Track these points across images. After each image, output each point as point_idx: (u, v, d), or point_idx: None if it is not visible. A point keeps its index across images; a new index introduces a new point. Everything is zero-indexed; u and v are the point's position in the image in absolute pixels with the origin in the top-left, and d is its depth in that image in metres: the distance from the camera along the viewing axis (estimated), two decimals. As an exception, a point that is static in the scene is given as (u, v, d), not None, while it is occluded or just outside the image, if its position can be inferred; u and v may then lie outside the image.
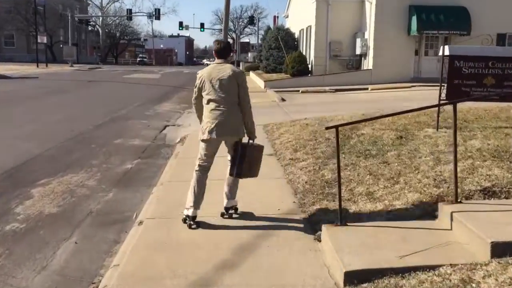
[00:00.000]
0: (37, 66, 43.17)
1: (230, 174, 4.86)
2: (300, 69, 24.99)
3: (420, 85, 21.57)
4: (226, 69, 4.66)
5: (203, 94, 4.75)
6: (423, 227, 4.27)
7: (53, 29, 63.20)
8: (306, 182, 5.96)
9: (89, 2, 73.85)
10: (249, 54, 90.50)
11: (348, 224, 4.40)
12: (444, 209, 4.36)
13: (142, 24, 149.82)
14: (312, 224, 4.72)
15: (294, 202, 5.47)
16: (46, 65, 45.52)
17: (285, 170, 6.77)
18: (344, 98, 17.49)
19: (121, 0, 71.67)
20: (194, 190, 4.75)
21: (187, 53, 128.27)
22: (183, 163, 7.40)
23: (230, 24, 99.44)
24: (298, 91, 21.01)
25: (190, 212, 4.71)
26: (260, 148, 4.99)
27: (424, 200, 4.89)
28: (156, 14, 51.40)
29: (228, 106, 4.64)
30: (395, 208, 4.83)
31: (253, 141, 4.87)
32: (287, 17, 37.36)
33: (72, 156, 8.43)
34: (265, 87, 22.59)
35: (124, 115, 13.67)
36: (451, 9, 21.92)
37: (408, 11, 22.53)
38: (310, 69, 25.42)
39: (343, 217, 4.42)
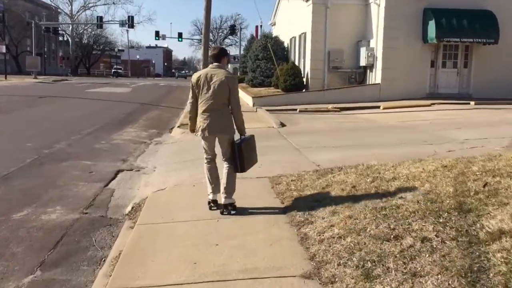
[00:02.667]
0: (-6, 78, 38.50)
1: (235, 171, 5.19)
2: (294, 83, 21.19)
3: (440, 103, 18.03)
4: (219, 73, 5.01)
5: (198, 95, 5.09)
6: None
7: (18, 38, 58.45)
8: None
9: (59, 10, 69.25)
10: (229, 66, 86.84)
11: None
12: None
13: (117, 34, 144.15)
14: None
15: None
16: (5, 77, 40.90)
17: None
18: (358, 121, 13.68)
19: (93, 8, 66.66)
20: (209, 178, 5.39)
21: (165, 64, 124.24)
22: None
23: (210, 34, 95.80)
24: (295, 110, 17.20)
25: (210, 197, 5.31)
26: (251, 138, 5.41)
27: None
28: (129, 22, 47.20)
29: (218, 107, 5.04)
30: None
31: (244, 136, 5.23)
32: (274, 25, 33.67)
33: None
34: (254, 105, 18.70)
35: (61, 152, 9.54)
36: (475, 13, 18.46)
37: (422, 15, 19.00)
38: (305, 83, 21.65)
39: None
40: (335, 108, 17.45)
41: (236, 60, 77.74)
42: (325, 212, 4.58)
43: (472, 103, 17.67)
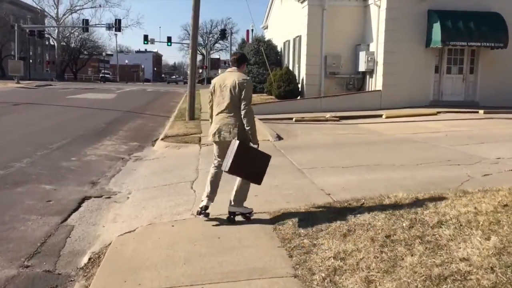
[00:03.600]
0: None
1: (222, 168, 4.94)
2: (289, 89, 19.87)
3: (446, 111, 16.78)
4: (233, 76, 4.91)
5: (214, 99, 5.03)
6: None
7: (2, 41, 56.54)
8: None
9: (45, 13, 67.33)
10: (219, 71, 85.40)
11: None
12: None
13: (104, 38, 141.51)
14: None
15: None
16: (-15, 82, 39.15)
17: None
18: (361, 133, 12.36)
19: (79, 11, 64.80)
20: (210, 184, 5.12)
21: (155, 69, 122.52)
22: None
23: (200, 39, 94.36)
24: (291, 119, 15.83)
25: (204, 203, 5.02)
26: (261, 153, 4.93)
27: None
28: (116, 26, 45.59)
29: (229, 111, 4.86)
30: None
31: (256, 145, 4.89)
32: (266, 28, 32.36)
33: None
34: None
35: (18, 173, 8.06)
36: (482, 16, 17.27)
37: (427, 18, 17.77)
38: (300, 89, 20.32)
39: None
40: (333, 117, 16.12)
41: (227, 65, 76.48)
42: (356, 282, 3.18)
43: (481, 112, 16.44)
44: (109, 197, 6.77)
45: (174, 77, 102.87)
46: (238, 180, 4.97)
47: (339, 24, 19.56)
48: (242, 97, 4.79)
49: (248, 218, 4.97)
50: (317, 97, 18.55)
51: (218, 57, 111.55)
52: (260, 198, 5.85)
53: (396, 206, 4.72)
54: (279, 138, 11.33)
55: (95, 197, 6.77)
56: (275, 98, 20.49)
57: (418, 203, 4.74)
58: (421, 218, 4.17)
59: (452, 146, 9.14)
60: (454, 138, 10.41)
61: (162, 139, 11.69)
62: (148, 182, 7.57)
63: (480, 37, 16.98)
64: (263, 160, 4.91)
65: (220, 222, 5.00)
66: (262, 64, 24.95)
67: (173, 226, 4.89)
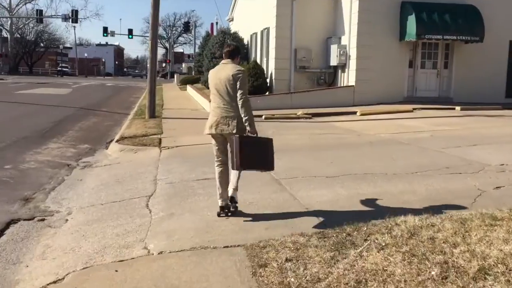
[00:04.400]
0: None
1: (231, 168, 4.83)
2: (257, 84, 18.66)
3: (422, 107, 16.05)
4: (227, 69, 4.81)
5: (211, 92, 4.93)
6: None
7: None
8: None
9: (-2, 3, 63.54)
10: (183, 65, 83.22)
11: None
12: None
13: (62, 30, 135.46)
14: None
15: None
16: None
17: None
18: (338, 132, 11.35)
19: (34, 2, 61.40)
20: (219, 184, 4.97)
21: (117, 63, 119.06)
22: None
23: (163, 32, 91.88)
24: (260, 116, 14.66)
25: (221, 203, 4.91)
26: (263, 139, 4.94)
27: None
28: (73, 17, 43.18)
29: (227, 103, 4.77)
30: None
31: (253, 133, 4.83)
32: (232, 20, 31.06)
33: None
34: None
35: None
36: (457, 8, 16.60)
37: (400, 9, 16.96)
38: (268, 84, 19.19)
39: None
40: (305, 114, 15.08)
41: (191, 58, 74.53)
42: None
43: (458, 108, 15.76)
44: (43, 220, 5.43)
45: (137, 71, 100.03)
46: (234, 172, 4.86)
47: (309, 15, 18.53)
48: (238, 87, 4.70)
49: (236, 209, 4.93)
50: (287, 93, 17.47)
51: (182, 51, 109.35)
52: (233, 222, 4.68)
53: (411, 237, 3.64)
54: (250, 139, 10.15)
55: (25, 219, 5.42)
56: (242, 93, 19.30)
57: (438, 233, 3.67)
58: (453, 261, 3.10)
59: (444, 149, 8.20)
60: (441, 139, 9.51)
61: (117, 141, 10.32)
62: (95, 197, 6.25)
63: (456, 31, 16.29)
64: (267, 145, 4.88)
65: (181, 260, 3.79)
66: (228, 58, 23.67)
67: (116, 271, 3.62)
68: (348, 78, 17.72)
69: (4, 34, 65.65)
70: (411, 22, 16.34)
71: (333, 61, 18.08)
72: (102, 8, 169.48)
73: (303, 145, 9.35)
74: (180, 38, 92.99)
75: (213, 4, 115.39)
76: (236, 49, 5.08)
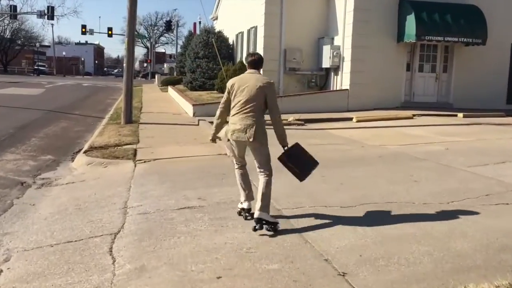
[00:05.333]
0: None
1: (301, 180, 4.93)
2: (243, 87, 17.38)
3: (422, 114, 15.00)
4: (255, 78, 4.78)
5: (232, 100, 4.81)
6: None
7: None
8: None
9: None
10: (165, 65, 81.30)
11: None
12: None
13: (38, 28, 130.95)
14: None
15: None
16: None
17: None
18: (338, 143, 10.11)
19: (9, -2, 58.77)
20: (241, 186, 4.96)
21: (96, 62, 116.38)
22: None
23: (144, 31, 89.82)
24: (248, 122, 13.38)
25: (245, 205, 4.90)
26: (296, 147, 5.03)
27: None
28: (49, 14, 41.23)
29: (250, 111, 4.70)
30: None
31: (287, 147, 4.94)
32: (216, 19, 29.68)
33: None
34: (194, 114, 14.64)
35: None
36: (459, 8, 15.59)
37: (398, 8, 15.87)
38: (256, 87, 17.87)
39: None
40: (298, 120, 13.82)
41: (173, 59, 72.79)
42: None
43: (460, 115, 14.70)
44: (-29, 267, 4.02)
45: (119, 70, 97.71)
46: (262, 181, 4.73)
47: (300, 14, 17.32)
48: (269, 102, 4.75)
49: (275, 229, 4.48)
50: (277, 97, 16.15)
51: (163, 51, 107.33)
52: (227, 285, 3.36)
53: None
54: (239, 151, 8.83)
55: None
56: (228, 96, 17.97)
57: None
58: None
59: (470, 167, 7.01)
60: (459, 153, 8.32)
61: (85, 152, 8.88)
62: (46, 233, 4.85)
63: (458, 32, 15.26)
64: (310, 163, 4.98)
65: None
66: (212, 58, 22.33)
67: None
68: (342, 81, 16.54)
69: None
70: (411, 22, 15.24)
71: (326, 63, 16.90)
72: (81, 6, 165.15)
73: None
74: (162, 38, 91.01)
75: (196, 3, 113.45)
76: (261, 58, 4.98)
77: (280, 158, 4.86)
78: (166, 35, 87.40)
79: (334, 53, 16.42)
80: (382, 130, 12.14)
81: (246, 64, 5.00)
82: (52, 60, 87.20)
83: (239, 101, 4.72)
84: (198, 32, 34.93)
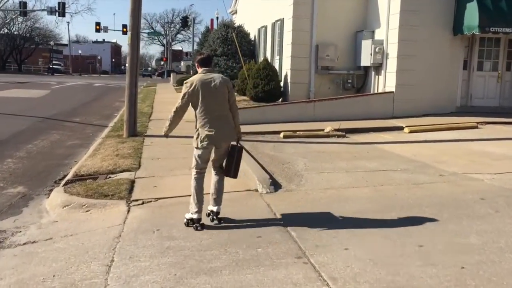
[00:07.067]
0: None
1: (227, 175, 4.96)
2: (268, 89, 15.00)
3: (486, 121, 12.39)
4: (216, 77, 4.80)
5: (198, 102, 4.74)
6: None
7: None
8: None
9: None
10: (182, 63, 79.10)
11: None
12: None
13: (53, 26, 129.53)
14: None
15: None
16: None
17: None
18: (403, 167, 7.65)
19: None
20: (196, 196, 4.83)
21: (113, 60, 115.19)
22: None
23: (161, 29, 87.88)
24: (277, 133, 11.07)
25: (195, 216, 4.79)
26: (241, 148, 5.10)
27: None
28: (60, 10, 39.35)
29: (224, 113, 4.81)
30: None
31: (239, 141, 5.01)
32: (235, 13, 27.29)
33: None
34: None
35: None
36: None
37: (454, -5, 13.28)
38: (282, 89, 15.46)
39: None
40: (337, 131, 11.37)
41: (189, 56, 70.59)
42: None
43: (536, 123, 12.08)
44: None
45: (149, 69, 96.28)
46: (216, 181, 4.93)
47: (334, 3, 14.86)
48: (230, 97, 4.83)
49: (220, 220, 4.87)
50: (309, 101, 13.72)
51: (180, 48, 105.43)
52: None
53: None
54: (273, 183, 6.41)
55: None
56: (251, 100, 15.61)
57: None
58: None
59: None
60: None
61: (66, 184, 6.58)
62: None
63: (530, 22, 12.58)
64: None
65: None
66: (231, 56, 19.99)
67: None
68: (385, 82, 14.01)
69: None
70: (472, 11, 12.63)
71: (365, 61, 14.38)
72: (95, 3, 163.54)
73: (362, 201, 5.62)
74: (179, 36, 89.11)
75: (213, 1, 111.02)
76: (210, 56, 5.07)
77: (239, 148, 4.92)
78: (183, 32, 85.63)
79: (376, 49, 13.90)
80: (447, 146, 9.62)
81: (196, 63, 4.95)
82: (68, 58, 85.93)
83: (210, 104, 4.77)
84: (215, 27, 32.58)
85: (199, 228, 4.71)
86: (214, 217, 4.90)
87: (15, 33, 63.99)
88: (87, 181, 6.62)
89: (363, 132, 11.68)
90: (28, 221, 5.44)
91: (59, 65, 79.54)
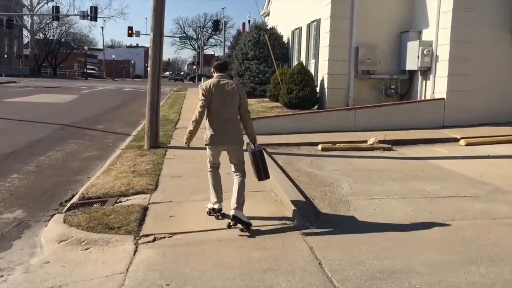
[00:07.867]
0: None
1: (260, 180, 5.05)
2: (303, 95, 13.84)
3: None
4: (229, 82, 4.93)
5: (210, 104, 4.86)
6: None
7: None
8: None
9: (22, 2, 60.47)
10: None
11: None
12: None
13: (87, 30, 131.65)
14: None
15: None
16: None
17: None
18: (470, 189, 6.38)
19: (57, 0, 57.89)
20: (214, 187, 5.13)
21: (146, 65, 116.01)
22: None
23: (193, 33, 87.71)
24: (315, 145, 9.89)
25: (216, 206, 5.12)
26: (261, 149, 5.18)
27: None
28: (92, 14, 39.25)
29: (232, 116, 4.91)
30: None
31: (256, 143, 5.04)
32: (268, 15, 26.21)
33: None
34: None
35: None
36: None
37: (515, -10, 11.79)
38: (319, 95, 14.26)
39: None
40: (381, 143, 10.11)
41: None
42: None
43: None
44: None
45: (168, 73, 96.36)
46: (237, 183, 4.92)
47: (376, 2, 13.59)
48: (241, 102, 4.87)
49: (248, 228, 4.67)
50: (349, 109, 12.47)
51: (212, 52, 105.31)
52: None
53: None
54: (317, 217, 5.22)
55: None
56: (284, 106, 14.48)
57: None
58: None
59: None
60: None
61: (70, 209, 5.60)
62: None
63: None
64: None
65: None
66: (263, 60, 18.93)
67: None
68: (434, 87, 12.64)
69: (26, 34, 62.65)
70: (537, 7, 11.16)
71: (411, 64, 13.05)
72: (127, 7, 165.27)
73: (433, 247, 4.36)
74: (211, 40, 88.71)
75: (245, 4, 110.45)
76: (226, 62, 5.17)
77: (257, 152, 4.93)
78: (215, 37, 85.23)
79: (424, 51, 12.55)
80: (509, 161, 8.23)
81: (213, 68, 5.06)
82: (105, 63, 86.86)
83: (220, 107, 4.89)
84: (247, 30, 31.56)
85: (220, 217, 5.00)
86: (231, 222, 4.77)
87: (50, 38, 64.79)
88: (94, 206, 5.61)
89: (411, 144, 10.39)
90: (15, 261, 4.44)
91: (93, 69, 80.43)
